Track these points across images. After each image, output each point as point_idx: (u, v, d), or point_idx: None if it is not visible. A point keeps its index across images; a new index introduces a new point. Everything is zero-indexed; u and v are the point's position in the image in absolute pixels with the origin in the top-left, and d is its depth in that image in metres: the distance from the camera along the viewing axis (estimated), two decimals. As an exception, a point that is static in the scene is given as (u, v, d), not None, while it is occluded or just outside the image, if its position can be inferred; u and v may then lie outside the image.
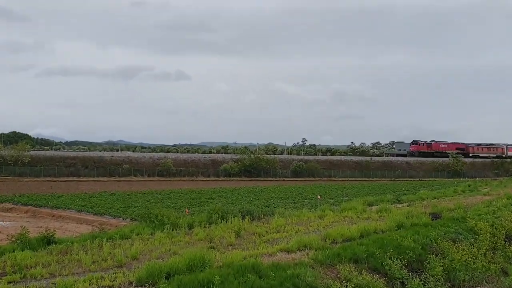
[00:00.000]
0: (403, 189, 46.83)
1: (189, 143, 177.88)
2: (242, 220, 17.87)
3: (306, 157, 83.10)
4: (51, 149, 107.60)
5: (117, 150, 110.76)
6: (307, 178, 72.07)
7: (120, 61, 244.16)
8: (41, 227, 20.77)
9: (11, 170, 60.55)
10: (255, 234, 15.35)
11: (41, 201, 32.92)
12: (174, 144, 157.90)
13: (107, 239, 13.95)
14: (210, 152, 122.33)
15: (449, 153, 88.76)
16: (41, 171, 61.44)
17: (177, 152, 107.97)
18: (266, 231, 15.88)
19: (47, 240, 14.24)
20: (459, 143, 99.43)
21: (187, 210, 22.14)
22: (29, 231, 14.66)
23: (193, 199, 35.89)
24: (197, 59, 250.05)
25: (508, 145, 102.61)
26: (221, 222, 17.59)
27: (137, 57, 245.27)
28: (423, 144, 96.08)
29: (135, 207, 29.70)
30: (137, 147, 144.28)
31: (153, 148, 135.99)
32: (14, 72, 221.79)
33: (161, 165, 68.24)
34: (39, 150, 75.15)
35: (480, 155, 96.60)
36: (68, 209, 29.06)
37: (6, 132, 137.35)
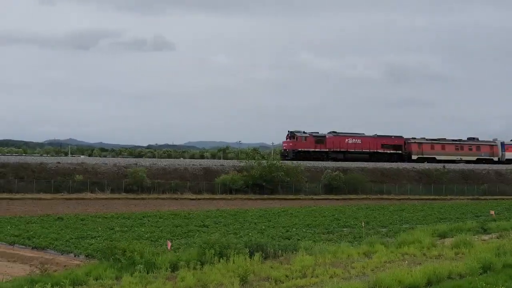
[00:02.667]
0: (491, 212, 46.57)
1: (171, 143, 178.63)
2: (250, 258, 17.89)
3: (344, 164, 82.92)
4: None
5: (66, 154, 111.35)
6: (346, 195, 71.96)
7: (72, 23, 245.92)
8: (-47, 267, 20.89)
9: None
10: (270, 280, 15.33)
11: (-46, 228, 33.15)
12: (149, 145, 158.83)
13: (52, 286, 14.03)
14: (202, 157, 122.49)
15: (367, 152, 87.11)
16: (-46, 185, 61.85)
17: (154, 157, 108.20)
18: (286, 276, 15.87)
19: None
20: (387, 136, 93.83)
21: (169, 244, 22.15)
22: None
23: (177, 226, 35.90)
24: (184, 19, 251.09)
25: (505, 143, 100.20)
26: (219, 261, 17.62)
27: (97, 18, 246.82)
28: (304, 138, 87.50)
29: (92, 237, 29.76)
30: (95, 149, 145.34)
31: (119, 151, 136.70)
32: None
33: (130, 175, 68.38)
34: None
35: (438, 157, 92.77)
36: (-6, 240, 29.23)
37: None
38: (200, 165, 77.43)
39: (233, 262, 17.28)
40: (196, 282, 15.16)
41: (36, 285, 14.75)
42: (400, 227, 35.27)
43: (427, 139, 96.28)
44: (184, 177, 72.25)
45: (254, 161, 75.66)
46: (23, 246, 27.41)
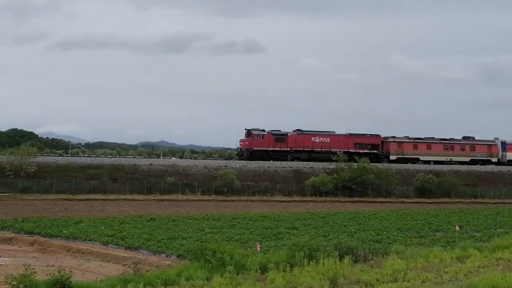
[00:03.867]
0: None
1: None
2: (340, 261, 17.79)
3: (437, 167, 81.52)
4: (66, 153, 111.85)
5: (158, 156, 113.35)
6: (439, 199, 70.73)
7: (165, 27, 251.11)
8: (52, 265, 21.62)
9: (11, 184, 63.46)
10: (360, 284, 15.20)
11: (52, 228, 34.20)
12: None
13: (144, 285, 14.33)
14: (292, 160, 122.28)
15: (336, 152, 79.30)
16: (52, 186, 64.00)
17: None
18: (377, 280, 15.69)
19: (61, 285, 14.81)
20: (361, 134, 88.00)
21: (258, 245, 22.27)
22: (35, 272, 15.31)
23: (267, 228, 36.04)
24: (274, 21, 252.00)
25: (507, 142, 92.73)
26: (309, 263, 17.59)
27: (189, 22, 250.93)
28: (261, 136, 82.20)
29: (183, 238, 30.21)
30: (186, 151, 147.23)
31: (209, 153, 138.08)
32: (17, 45, 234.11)
33: (220, 177, 69.14)
34: (50, 156, 78.38)
35: (423, 158, 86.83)
36: (89, 240, 30.00)
37: (3, 129, 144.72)
38: (290, 167, 77.44)
39: (323, 265, 17.23)
40: (285, 284, 15.19)
41: (129, 285, 15.10)
42: (494, 232, 34.37)
43: (410, 138, 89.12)
44: (274, 179, 72.50)
45: (344, 163, 75.26)
46: (117, 246, 28.07)
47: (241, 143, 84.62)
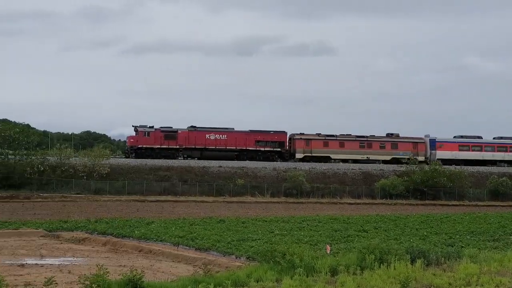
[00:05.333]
0: None
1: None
2: (412, 265, 17.57)
3: None
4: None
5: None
6: (514, 202, 69.14)
7: (237, 30, 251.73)
8: (124, 266, 21.99)
9: (84, 185, 65.01)
10: None
11: (125, 229, 34.82)
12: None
13: (214, 286, 14.42)
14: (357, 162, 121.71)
15: (234, 150, 76.73)
16: (124, 187, 65.25)
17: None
18: (449, 284, 15.43)
19: (133, 285, 15.06)
20: (264, 131, 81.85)
21: (328, 248, 22.17)
22: (108, 272, 15.60)
23: (336, 231, 35.84)
24: (346, 23, 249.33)
25: (437, 139, 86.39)
26: (379, 267, 17.42)
27: (260, 25, 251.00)
28: (147, 133, 77.97)
29: (253, 240, 30.30)
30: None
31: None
32: (92, 49, 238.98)
33: (290, 179, 69.20)
34: (122, 158, 79.90)
35: (335, 156, 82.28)
36: (160, 241, 30.42)
37: (77, 132, 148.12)
38: (359, 169, 76.96)
39: (394, 268, 17.04)
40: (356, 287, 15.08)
41: (200, 285, 15.23)
42: None
43: (320, 135, 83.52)
44: (343, 182, 72.22)
45: (415, 165, 74.36)
46: (187, 247, 28.35)
47: (128, 140, 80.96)
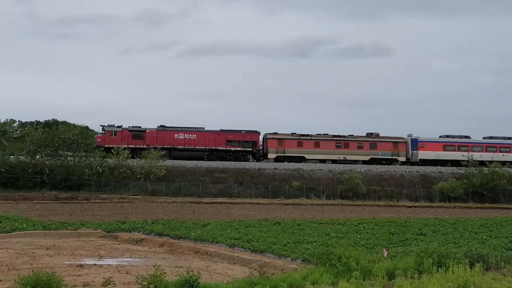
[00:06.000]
0: None
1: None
2: (471, 269, 17.30)
3: None
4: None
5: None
6: None
7: (292, 32, 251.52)
8: (180, 267, 22.21)
9: (141, 187, 65.86)
10: (493, 293, 14.74)
11: (181, 230, 35.15)
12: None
13: (269, 289, 14.45)
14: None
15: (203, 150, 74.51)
16: (180, 189, 65.85)
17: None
18: (510, 288, 15.14)
19: (189, 286, 15.22)
20: (236, 131, 79.68)
21: (385, 251, 22.02)
22: (165, 273, 15.80)
23: (393, 234, 35.54)
24: (403, 23, 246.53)
25: (419, 139, 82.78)
26: (437, 271, 17.21)
27: (315, 26, 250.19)
28: (113, 132, 76.61)
29: (308, 243, 30.26)
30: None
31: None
32: (149, 52, 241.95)
33: (345, 182, 68.89)
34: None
35: (309, 156, 79.13)
36: (216, 242, 30.62)
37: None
38: (417, 172, 76.11)
39: (452, 272, 16.82)
40: (413, 291, 14.95)
41: (255, 287, 15.30)
42: None
43: (294, 134, 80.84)
44: (400, 184, 71.50)
45: (474, 168, 73.22)
46: (243, 249, 28.46)
47: (96, 140, 77.86)
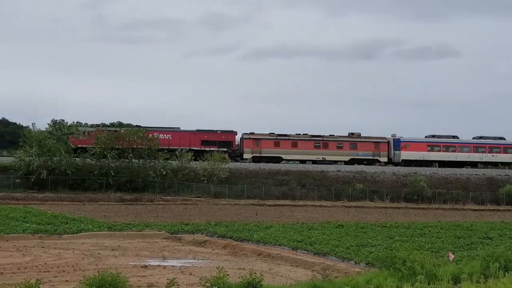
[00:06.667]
0: None
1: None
2: (540, 274, 16.89)
3: None
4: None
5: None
6: None
7: (356, 34, 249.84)
8: (243, 269, 22.31)
9: (204, 189, 66.45)
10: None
11: (244, 232, 35.27)
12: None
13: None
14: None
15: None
16: (243, 191, 66.17)
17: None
18: None
19: (252, 288, 15.28)
20: (211, 131, 78.92)
21: (450, 255, 21.67)
22: (228, 275, 15.90)
23: (459, 238, 34.97)
24: (470, 24, 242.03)
25: (402, 139, 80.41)
26: (504, 275, 16.87)
27: (380, 28, 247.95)
28: (87, 133, 76.34)
29: (372, 246, 30.04)
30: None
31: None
32: (213, 55, 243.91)
33: (410, 184, 68.13)
34: (240, 162, 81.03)
35: (287, 157, 77.02)
36: (279, 245, 30.63)
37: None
38: (483, 175, 74.82)
39: (520, 277, 16.49)
40: (479, 296, 14.70)
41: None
42: None
43: (271, 134, 79.87)
44: (466, 187, 70.47)
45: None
46: (305, 252, 28.42)
47: (70, 139, 78.56)
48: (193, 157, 71.97)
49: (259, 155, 78.29)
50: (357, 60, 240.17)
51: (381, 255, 22.26)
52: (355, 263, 25.01)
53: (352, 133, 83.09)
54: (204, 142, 77.76)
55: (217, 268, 16.38)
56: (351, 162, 79.92)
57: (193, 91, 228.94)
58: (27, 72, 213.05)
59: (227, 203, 60.90)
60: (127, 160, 69.43)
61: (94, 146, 69.92)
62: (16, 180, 66.38)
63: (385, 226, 40.92)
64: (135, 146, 70.63)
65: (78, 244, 29.61)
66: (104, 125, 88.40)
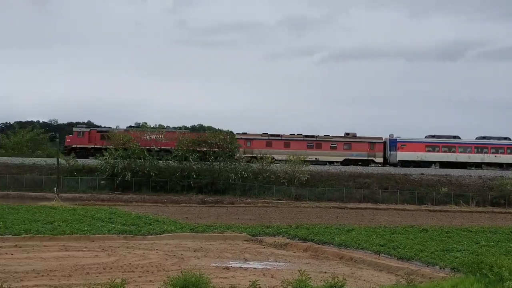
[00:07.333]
0: None
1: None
2: None
3: None
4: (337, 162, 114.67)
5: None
6: None
7: (440, 35, 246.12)
8: (325, 272, 22.23)
9: (285, 191, 66.63)
10: None
11: (325, 235, 35.12)
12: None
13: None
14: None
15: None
16: (324, 194, 66.01)
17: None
18: None
19: (335, 292, 15.21)
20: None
21: (540, 261, 21.03)
22: (310, 278, 15.87)
23: (550, 243, 33.96)
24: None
25: (398, 139, 79.01)
26: None
27: (465, 28, 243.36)
28: (81, 133, 77.94)
29: (457, 251, 29.46)
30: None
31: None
32: (294, 57, 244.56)
33: (496, 188, 66.59)
34: (321, 164, 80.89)
35: (278, 156, 75.28)
36: (361, 249, 30.38)
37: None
38: None
39: None
40: None
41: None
42: None
43: (264, 134, 79.97)
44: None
45: None
46: (388, 256, 28.09)
47: (66, 140, 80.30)
48: None
49: (251, 155, 77.35)
50: (441, 62, 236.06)
51: (467, 260, 21.80)
52: (440, 268, 24.59)
53: (348, 133, 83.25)
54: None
55: (299, 271, 16.38)
56: (346, 162, 79.90)
57: (274, 93, 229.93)
58: (111, 76, 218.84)
59: (308, 206, 60.87)
60: (208, 162, 70.27)
61: (176, 148, 71.28)
62: (102, 182, 68.28)
63: (471, 231, 40.06)
64: (216, 149, 71.55)
65: (161, 245, 30.09)
66: (185, 128, 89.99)
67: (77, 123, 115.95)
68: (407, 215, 55.32)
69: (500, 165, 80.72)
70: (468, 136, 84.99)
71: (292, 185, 67.39)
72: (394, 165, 79.82)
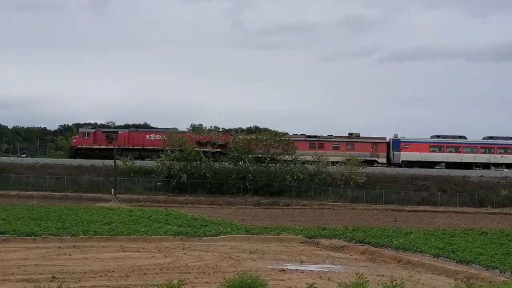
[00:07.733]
0: None
1: None
2: None
3: None
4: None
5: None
6: None
7: (500, 35, 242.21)
8: (383, 275, 22.02)
9: (341, 193, 66.35)
10: None
11: (382, 238, 34.81)
12: None
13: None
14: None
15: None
16: (381, 196, 65.51)
17: None
18: None
19: (394, 296, 15.05)
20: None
21: None
22: (367, 281, 15.73)
23: None
24: None
25: (402, 140, 78.39)
26: None
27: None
28: (86, 134, 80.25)
29: (520, 254, 28.96)
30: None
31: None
32: (351, 58, 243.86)
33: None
34: (378, 167, 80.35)
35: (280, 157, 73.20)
36: (419, 252, 30.01)
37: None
38: None
39: None
40: None
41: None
42: None
43: None
44: None
45: None
46: (447, 259, 27.72)
47: (72, 141, 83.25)
48: None
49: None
50: (501, 62, 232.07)
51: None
52: (500, 272, 24.16)
53: (351, 133, 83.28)
54: (200, 143, 76.92)
55: (356, 274, 16.26)
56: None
57: (330, 95, 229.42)
58: (167, 78, 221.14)
59: (365, 208, 60.50)
60: (264, 164, 70.40)
61: (231, 149, 71.87)
62: (158, 183, 69.07)
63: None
64: (272, 151, 71.75)
65: (217, 246, 30.22)
66: (241, 129, 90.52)
67: (133, 125, 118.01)
68: (466, 217, 54.53)
69: (507, 166, 79.41)
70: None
71: (348, 187, 67.09)
72: (398, 165, 79.29)
